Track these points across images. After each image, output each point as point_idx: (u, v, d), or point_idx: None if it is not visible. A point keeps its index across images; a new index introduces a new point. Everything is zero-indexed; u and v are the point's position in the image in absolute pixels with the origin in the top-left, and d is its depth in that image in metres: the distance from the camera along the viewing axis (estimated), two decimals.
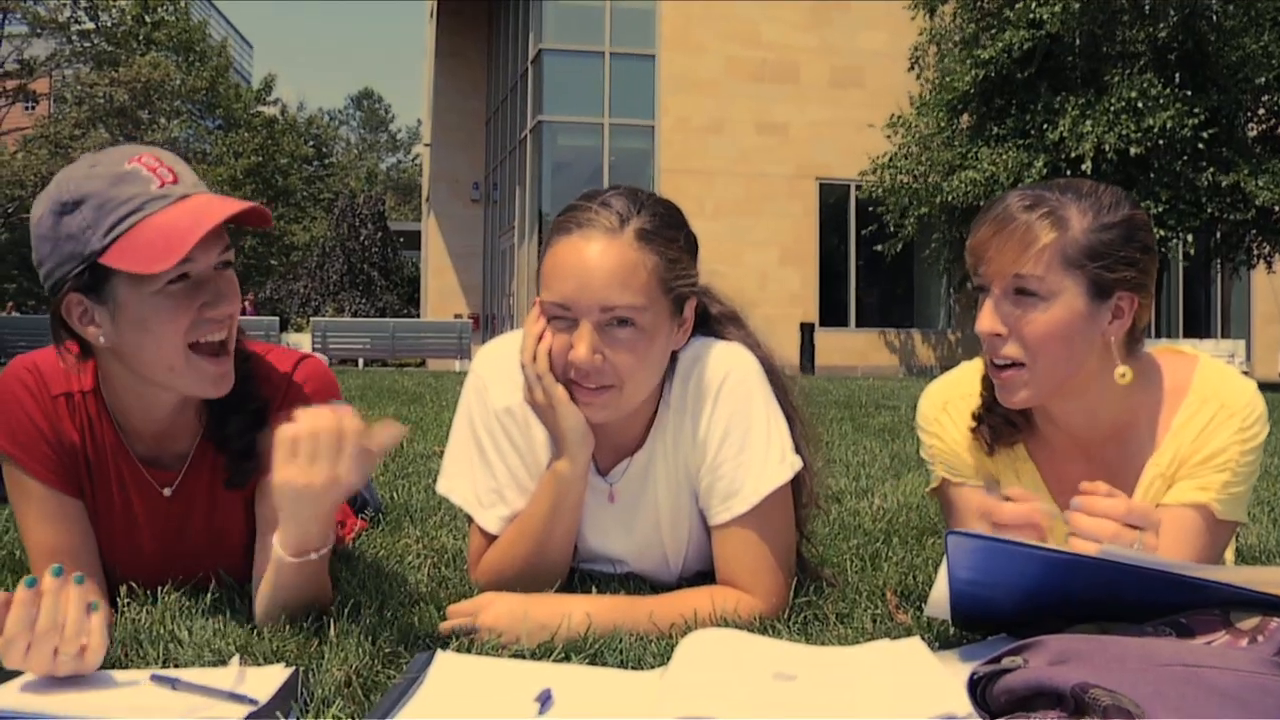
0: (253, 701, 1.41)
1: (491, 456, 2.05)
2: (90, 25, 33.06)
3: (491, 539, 2.07)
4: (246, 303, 24.50)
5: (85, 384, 1.92)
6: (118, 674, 1.57)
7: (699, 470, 2.00)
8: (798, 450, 2.01)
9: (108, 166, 1.71)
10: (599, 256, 1.81)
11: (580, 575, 2.17)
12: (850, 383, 13.61)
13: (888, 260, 21.44)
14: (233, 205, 1.71)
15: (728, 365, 1.97)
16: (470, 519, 2.11)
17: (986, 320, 1.81)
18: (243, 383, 1.90)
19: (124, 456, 1.95)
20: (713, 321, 2.08)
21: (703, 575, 2.12)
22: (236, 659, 1.61)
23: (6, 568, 2.33)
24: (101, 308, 1.73)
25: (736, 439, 1.96)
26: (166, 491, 1.97)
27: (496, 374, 2.05)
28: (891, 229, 20.64)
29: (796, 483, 2.03)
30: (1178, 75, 18.39)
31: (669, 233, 1.89)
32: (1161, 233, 17.69)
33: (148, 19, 35.41)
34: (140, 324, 1.72)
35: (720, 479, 1.97)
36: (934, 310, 24.11)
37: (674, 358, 1.99)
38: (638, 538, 2.11)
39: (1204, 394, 1.88)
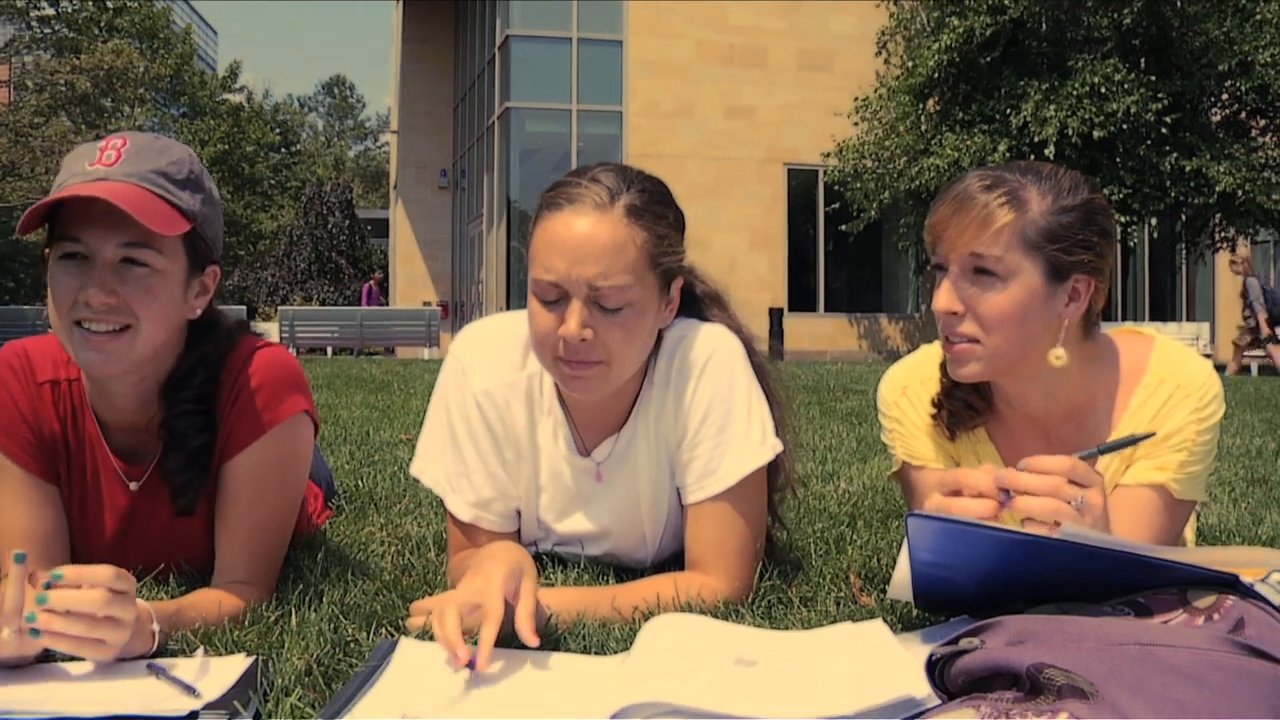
0: (197, 694, 1.40)
1: (463, 441, 2.04)
2: (50, 11, 32.58)
3: (460, 524, 2.07)
4: (373, 282, 23.95)
5: (73, 372, 1.94)
6: (70, 666, 1.56)
7: (679, 447, 2.00)
8: (778, 433, 2.01)
9: (92, 143, 1.80)
10: (589, 233, 1.80)
11: (548, 559, 2.17)
12: (819, 367, 13.66)
13: (851, 240, 21.52)
14: (119, 196, 1.69)
15: (712, 346, 1.98)
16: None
17: (944, 298, 1.83)
18: (189, 374, 1.91)
19: (100, 447, 1.96)
20: (697, 301, 2.09)
21: (678, 556, 2.12)
22: (201, 650, 1.60)
23: None
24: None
25: (717, 419, 1.96)
26: (133, 485, 1.97)
27: (476, 357, 2.04)
28: (855, 213, 20.71)
29: (773, 466, 2.04)
30: (1142, 60, 18.52)
31: (658, 209, 1.88)
32: (1125, 217, 17.85)
33: (109, 5, 34.86)
34: (48, 289, 1.78)
35: (698, 457, 1.98)
36: (902, 295, 24.21)
37: (659, 336, 1.99)
38: (618, 515, 2.11)
39: (1160, 374, 1.89)
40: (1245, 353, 15.56)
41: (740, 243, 21.94)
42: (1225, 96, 19.19)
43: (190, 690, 1.42)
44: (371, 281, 24.21)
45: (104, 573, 1.49)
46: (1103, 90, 17.40)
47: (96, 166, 1.74)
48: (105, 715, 1.34)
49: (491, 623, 1.50)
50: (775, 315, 19.68)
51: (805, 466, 3.95)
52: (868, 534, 2.62)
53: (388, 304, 23.71)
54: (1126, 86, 17.39)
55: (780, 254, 22.78)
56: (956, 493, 1.64)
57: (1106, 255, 1.84)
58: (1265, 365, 15.61)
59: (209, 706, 1.36)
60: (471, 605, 1.54)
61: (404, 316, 21.52)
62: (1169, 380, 1.89)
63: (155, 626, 1.59)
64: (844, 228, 21.28)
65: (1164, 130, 17.62)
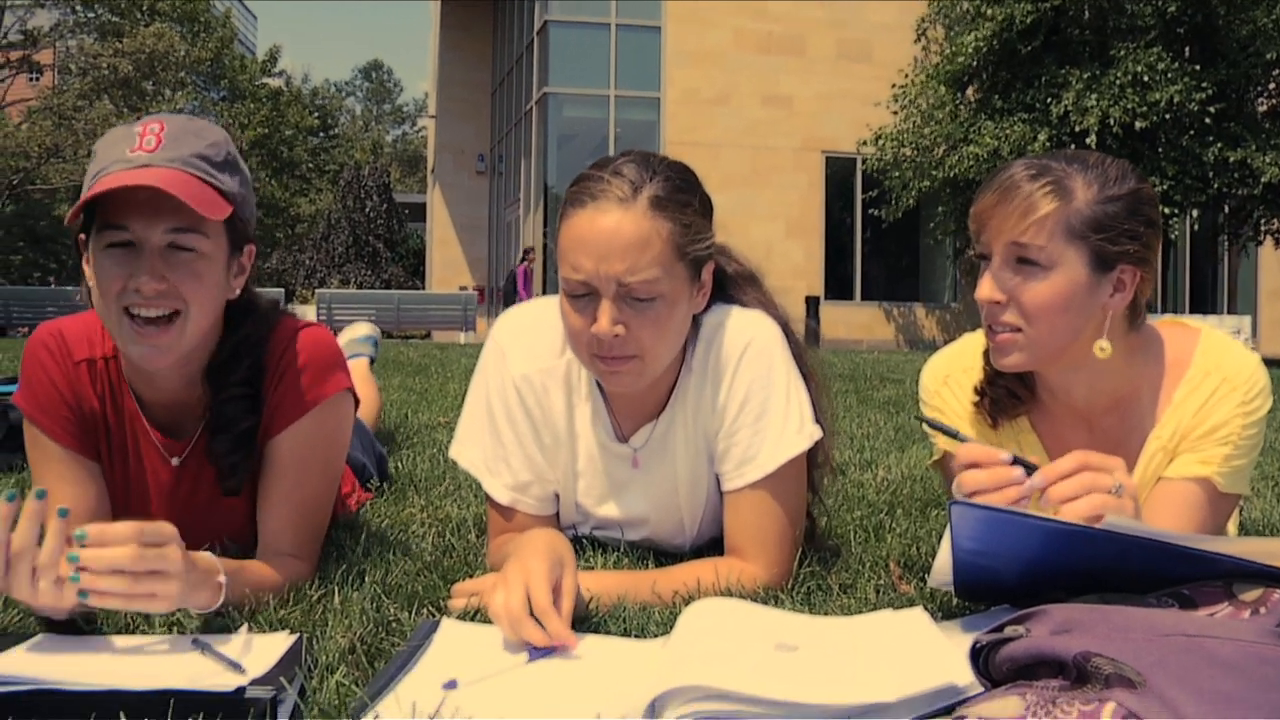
0: (242, 670, 1.42)
1: (501, 425, 2.05)
2: None
3: (499, 507, 2.08)
4: (528, 263, 22.87)
5: (109, 349, 1.96)
6: (117, 639, 1.59)
7: (717, 435, 2.01)
8: (816, 417, 2.01)
9: (125, 126, 1.81)
10: (614, 229, 1.79)
11: (587, 542, 2.17)
12: (855, 356, 13.60)
13: (885, 226, 21.42)
14: (168, 183, 1.70)
15: (750, 333, 1.98)
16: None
17: (986, 288, 1.81)
18: (234, 358, 1.93)
19: (140, 423, 1.98)
20: (729, 282, 2.08)
21: (717, 542, 2.13)
22: (245, 627, 1.62)
23: None
24: (88, 252, 1.81)
25: (756, 406, 1.96)
26: (175, 461, 2.00)
27: (516, 341, 2.05)
28: (893, 201, 20.61)
29: (813, 445, 2.03)
30: (1186, 49, 18.27)
31: (682, 197, 1.86)
32: (1167, 209, 17.64)
33: None
34: (94, 276, 1.79)
35: (736, 445, 1.98)
36: (939, 284, 24.07)
37: (696, 322, 1.99)
38: (656, 501, 2.12)
39: (1206, 367, 1.87)
40: None
41: (776, 231, 21.88)
42: (1272, 86, 18.92)
43: (236, 666, 1.43)
44: (526, 262, 22.48)
45: (128, 528, 1.49)
46: (1145, 79, 17.19)
47: (138, 153, 1.75)
48: (151, 689, 1.36)
49: (552, 616, 1.54)
50: (811, 303, 19.62)
51: (843, 454, 3.93)
52: (907, 522, 2.61)
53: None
54: (1170, 76, 17.17)
55: (817, 243, 22.70)
56: (974, 465, 1.64)
57: (1153, 246, 1.81)
58: None
59: (255, 682, 1.37)
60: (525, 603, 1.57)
61: (441, 301, 21.60)
62: (1215, 373, 1.87)
63: (222, 578, 1.61)
64: (876, 213, 21.18)
65: (1208, 120, 17.39)
